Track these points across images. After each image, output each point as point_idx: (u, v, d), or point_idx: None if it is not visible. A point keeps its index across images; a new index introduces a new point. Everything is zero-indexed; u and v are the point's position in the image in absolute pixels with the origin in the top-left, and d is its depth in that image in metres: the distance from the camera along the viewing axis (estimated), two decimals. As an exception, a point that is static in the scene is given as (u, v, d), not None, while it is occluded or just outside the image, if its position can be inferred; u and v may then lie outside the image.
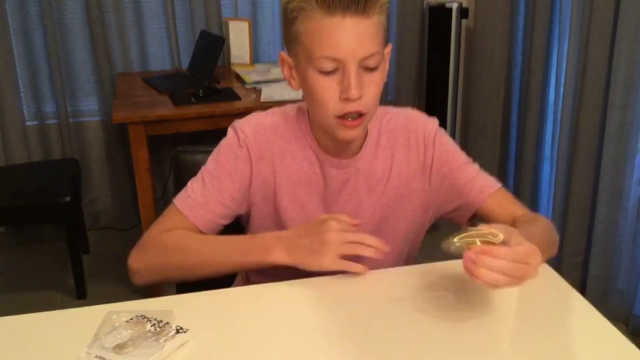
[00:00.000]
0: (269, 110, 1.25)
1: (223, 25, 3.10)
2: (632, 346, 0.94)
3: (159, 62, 3.17)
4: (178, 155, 1.44)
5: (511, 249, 0.92)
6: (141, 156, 2.48)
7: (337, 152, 1.20)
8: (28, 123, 3.09)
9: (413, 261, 1.32)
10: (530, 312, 1.04)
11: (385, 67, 1.12)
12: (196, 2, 3.06)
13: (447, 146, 1.25)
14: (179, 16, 3.11)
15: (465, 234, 0.94)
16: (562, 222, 2.61)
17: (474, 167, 1.26)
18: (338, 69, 1.06)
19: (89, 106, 3.16)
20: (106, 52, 3.04)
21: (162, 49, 3.16)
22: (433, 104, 3.18)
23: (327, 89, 1.07)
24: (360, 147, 1.21)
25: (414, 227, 1.28)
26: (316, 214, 1.21)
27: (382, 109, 1.25)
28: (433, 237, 1.24)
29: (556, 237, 1.21)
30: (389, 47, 1.15)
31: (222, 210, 1.21)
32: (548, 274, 1.14)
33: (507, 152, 3.15)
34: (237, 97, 2.63)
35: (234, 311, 1.05)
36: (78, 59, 3.08)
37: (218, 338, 0.98)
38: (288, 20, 1.09)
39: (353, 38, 1.04)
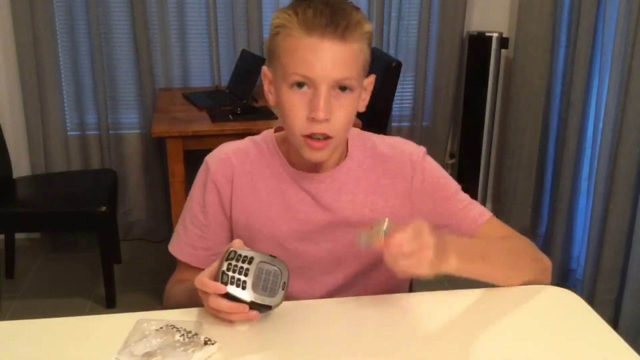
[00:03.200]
0: (241, 140, 1.26)
1: (264, 46, 3.15)
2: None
3: (200, 78, 3.23)
4: None
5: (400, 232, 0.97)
6: (177, 170, 2.52)
7: (309, 169, 1.19)
8: (70, 133, 3.17)
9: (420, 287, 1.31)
10: (562, 347, 1.02)
11: (361, 94, 1.12)
12: (238, 22, 3.12)
13: (437, 172, 1.24)
14: (221, 35, 3.17)
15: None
16: (596, 258, 2.57)
17: (465, 196, 1.25)
18: (310, 87, 1.06)
19: (130, 119, 3.23)
20: (149, 67, 3.11)
21: (204, 66, 3.22)
22: (469, 132, 3.17)
23: (297, 107, 1.07)
24: (337, 166, 1.20)
25: None
26: (285, 231, 1.20)
27: (365, 135, 1.25)
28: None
29: (535, 256, 1.20)
30: (371, 78, 1.15)
31: (207, 244, 1.23)
32: (582, 308, 1.13)
33: (543, 184, 3.11)
34: (273, 116, 2.66)
35: (261, 326, 1.05)
36: (122, 72, 3.16)
37: (245, 352, 0.98)
38: (271, 35, 1.11)
39: (328, 60, 1.04)
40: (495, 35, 3.06)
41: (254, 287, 0.98)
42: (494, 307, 1.13)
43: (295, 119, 1.08)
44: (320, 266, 1.22)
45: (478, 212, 1.23)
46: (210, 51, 3.19)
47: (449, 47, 3.24)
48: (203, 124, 2.57)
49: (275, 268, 1.00)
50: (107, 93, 3.14)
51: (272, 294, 0.99)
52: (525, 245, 1.22)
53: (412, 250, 0.96)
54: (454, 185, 1.25)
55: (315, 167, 1.18)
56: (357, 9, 1.09)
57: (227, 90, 3.03)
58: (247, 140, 1.25)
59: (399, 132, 3.32)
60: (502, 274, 1.15)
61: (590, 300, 2.48)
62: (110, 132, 3.19)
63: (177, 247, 1.26)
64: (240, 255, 1.00)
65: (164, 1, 3.04)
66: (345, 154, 1.21)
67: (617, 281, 2.51)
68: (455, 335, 1.03)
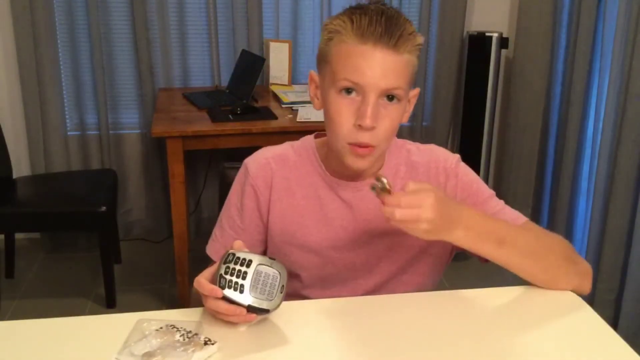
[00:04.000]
0: (280, 145, 1.27)
1: (264, 46, 3.15)
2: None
3: (200, 79, 3.23)
4: (225, 171, 1.48)
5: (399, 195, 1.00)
6: (177, 170, 2.52)
7: (347, 178, 1.20)
8: (70, 133, 3.17)
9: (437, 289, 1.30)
10: (562, 347, 1.02)
11: (406, 107, 1.13)
12: (239, 22, 3.13)
13: (471, 177, 1.24)
14: (221, 35, 3.17)
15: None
16: (596, 258, 2.57)
17: (499, 201, 1.24)
18: (358, 94, 1.07)
19: (130, 119, 3.23)
20: (149, 67, 3.11)
21: (204, 66, 3.22)
22: (469, 132, 3.17)
23: (344, 113, 1.08)
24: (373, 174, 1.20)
25: (434, 258, 1.26)
26: (320, 239, 1.21)
27: (400, 142, 1.26)
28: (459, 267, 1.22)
29: (571, 256, 1.17)
30: (416, 91, 1.16)
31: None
32: (582, 309, 1.13)
33: (543, 184, 3.11)
34: (273, 117, 2.66)
35: (261, 326, 1.05)
36: (122, 72, 3.16)
37: (245, 352, 0.98)
38: (323, 40, 1.12)
39: (379, 69, 1.05)
40: (495, 35, 3.06)
41: (252, 291, 0.98)
42: (494, 307, 1.13)
43: (341, 125, 1.09)
44: (354, 272, 1.23)
45: (512, 217, 1.21)
46: (210, 51, 3.19)
47: (449, 47, 3.25)
48: (203, 124, 2.58)
49: (274, 271, 1.00)
50: (107, 93, 3.14)
51: (270, 297, 0.99)
52: (560, 244, 1.17)
53: (405, 218, 0.98)
54: (487, 191, 1.24)
55: (353, 176, 1.19)
56: (410, 21, 1.09)
57: (227, 90, 3.03)
58: (287, 145, 1.26)
59: (399, 132, 3.31)
60: (522, 265, 1.11)
61: (590, 300, 2.48)
62: (110, 132, 3.19)
63: (213, 248, 1.27)
64: (239, 258, 1.00)
65: (164, 1, 3.05)
66: (382, 161, 1.22)
67: (617, 281, 2.51)
68: (454, 335, 1.03)
